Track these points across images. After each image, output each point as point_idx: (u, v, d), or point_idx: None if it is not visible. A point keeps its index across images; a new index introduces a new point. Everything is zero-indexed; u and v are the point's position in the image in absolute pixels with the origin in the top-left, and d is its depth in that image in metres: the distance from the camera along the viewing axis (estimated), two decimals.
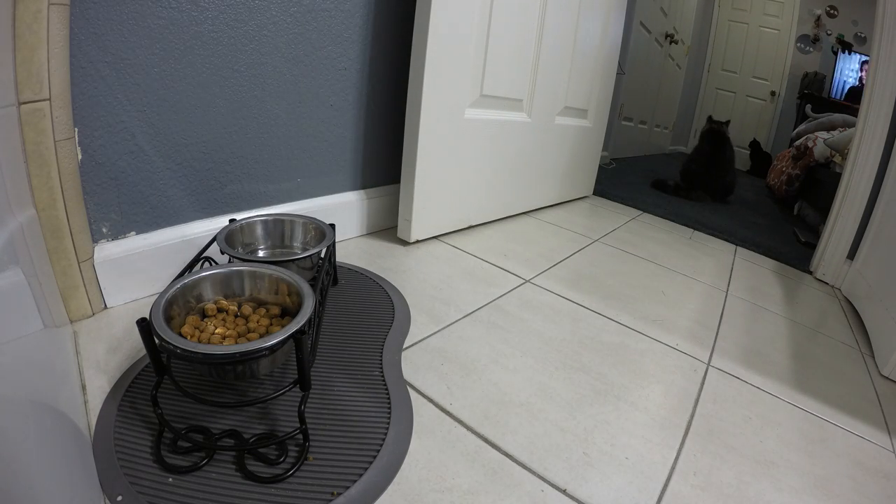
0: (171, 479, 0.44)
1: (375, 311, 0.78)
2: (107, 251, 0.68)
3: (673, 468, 0.57)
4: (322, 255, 0.73)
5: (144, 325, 0.46)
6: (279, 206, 0.92)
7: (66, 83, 0.58)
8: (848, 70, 3.51)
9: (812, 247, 1.59)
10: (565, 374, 0.71)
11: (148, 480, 0.44)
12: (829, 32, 3.67)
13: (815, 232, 1.86)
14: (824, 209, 1.63)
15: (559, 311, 0.90)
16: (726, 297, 1.14)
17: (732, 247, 1.60)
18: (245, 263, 0.61)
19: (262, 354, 0.47)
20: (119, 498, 0.42)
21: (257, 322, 0.57)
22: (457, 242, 1.16)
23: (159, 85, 0.68)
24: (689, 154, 2.39)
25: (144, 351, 0.56)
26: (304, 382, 0.50)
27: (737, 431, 0.65)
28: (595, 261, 1.21)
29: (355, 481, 0.47)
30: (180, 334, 0.50)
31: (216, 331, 0.54)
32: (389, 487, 0.48)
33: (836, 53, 3.51)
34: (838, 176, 1.46)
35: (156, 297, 0.51)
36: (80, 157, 0.63)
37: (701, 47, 4.05)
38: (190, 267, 0.59)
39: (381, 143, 1.10)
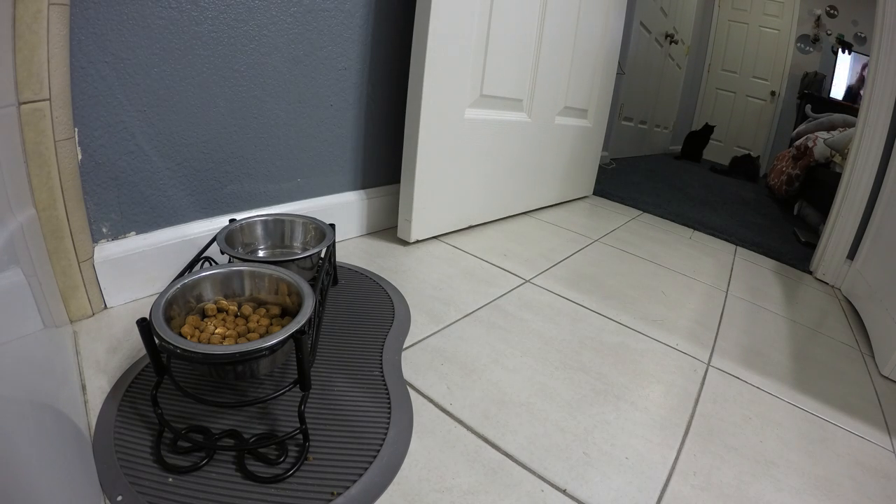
0: (171, 479, 0.44)
1: (375, 311, 0.78)
2: (107, 251, 0.68)
3: (673, 468, 0.57)
4: (322, 255, 0.73)
5: (144, 325, 0.46)
6: (279, 206, 0.92)
7: (66, 83, 0.58)
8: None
9: (812, 247, 1.59)
10: (565, 374, 0.71)
11: (148, 480, 0.44)
12: (829, 32, 3.66)
13: (815, 232, 1.86)
14: (824, 209, 1.63)
15: (559, 311, 0.90)
16: (726, 297, 1.14)
17: (732, 247, 1.60)
18: (245, 263, 0.61)
19: (262, 354, 0.47)
20: (119, 498, 0.42)
21: (257, 322, 0.57)
22: (457, 242, 1.16)
23: (159, 85, 0.68)
24: None
25: (144, 351, 0.56)
26: (304, 382, 0.50)
27: (737, 431, 0.65)
28: (595, 261, 1.21)
29: (355, 481, 0.47)
30: (180, 334, 0.50)
31: (216, 331, 0.54)
32: (389, 487, 0.48)
33: (835, 53, 3.51)
34: (838, 176, 1.46)
35: (156, 297, 0.51)
36: (80, 157, 0.63)
37: (701, 47, 4.05)
38: (190, 267, 0.59)
39: (381, 143, 1.10)
